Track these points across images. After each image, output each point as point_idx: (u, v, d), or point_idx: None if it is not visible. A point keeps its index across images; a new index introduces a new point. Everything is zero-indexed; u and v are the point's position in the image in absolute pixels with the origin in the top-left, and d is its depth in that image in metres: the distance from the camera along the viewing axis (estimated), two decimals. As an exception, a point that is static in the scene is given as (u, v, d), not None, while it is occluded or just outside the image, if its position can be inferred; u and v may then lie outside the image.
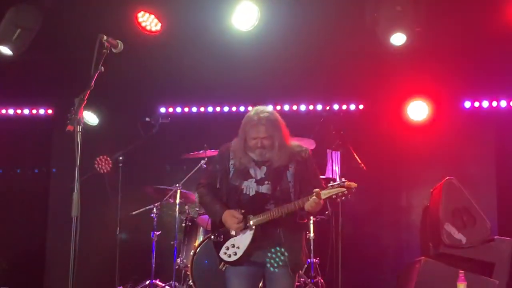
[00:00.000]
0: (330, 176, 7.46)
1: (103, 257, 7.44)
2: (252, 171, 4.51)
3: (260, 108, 4.60)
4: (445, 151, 7.97)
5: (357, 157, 7.08)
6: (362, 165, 7.06)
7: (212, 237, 4.56)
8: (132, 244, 7.56)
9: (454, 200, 6.74)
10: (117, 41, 3.98)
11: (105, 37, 3.91)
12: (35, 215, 8.58)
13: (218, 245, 4.52)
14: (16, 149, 8.66)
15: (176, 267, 6.75)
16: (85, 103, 3.72)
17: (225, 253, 4.45)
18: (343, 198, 4.24)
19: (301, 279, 6.92)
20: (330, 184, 4.34)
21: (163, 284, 6.96)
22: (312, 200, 4.23)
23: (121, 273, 6.99)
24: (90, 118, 7.79)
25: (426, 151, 8.07)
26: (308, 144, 7.09)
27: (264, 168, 4.50)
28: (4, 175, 8.68)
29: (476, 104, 8.26)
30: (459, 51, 7.58)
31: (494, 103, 8.22)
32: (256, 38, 7.27)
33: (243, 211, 4.43)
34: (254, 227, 4.40)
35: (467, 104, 8.26)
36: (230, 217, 4.43)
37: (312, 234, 7.17)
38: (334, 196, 4.22)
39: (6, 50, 7.06)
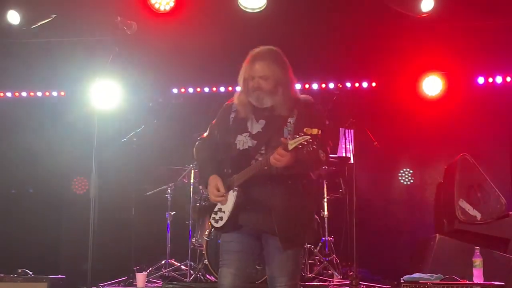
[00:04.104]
0: (343, 154, 7.47)
1: (118, 237, 7.49)
2: (249, 124, 3.94)
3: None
4: (459, 127, 7.93)
5: (370, 134, 7.07)
6: (376, 142, 7.05)
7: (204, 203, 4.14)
8: (147, 224, 7.59)
9: (468, 177, 6.73)
10: (131, 22, 3.99)
11: (119, 18, 3.92)
12: (51, 197, 8.63)
13: (210, 210, 4.04)
14: (30, 131, 8.68)
15: (191, 246, 6.78)
16: (100, 84, 3.73)
17: (214, 218, 3.97)
18: (310, 148, 3.60)
19: (316, 257, 6.96)
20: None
21: (179, 264, 7.00)
22: (276, 152, 3.64)
23: (137, 253, 7.06)
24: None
25: (440, 127, 8.04)
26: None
27: (263, 122, 3.91)
28: (20, 158, 8.71)
29: (490, 79, 8.20)
30: (472, 26, 7.53)
31: (508, 79, 8.16)
32: (267, 17, 7.23)
33: (229, 171, 3.93)
34: (236, 188, 3.87)
35: (481, 80, 8.20)
36: (212, 187, 3.92)
37: (326, 213, 7.20)
38: (300, 146, 3.55)
39: (14, 19, 6.95)
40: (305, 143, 3.54)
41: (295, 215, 3.83)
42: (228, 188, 3.89)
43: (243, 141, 3.90)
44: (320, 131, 3.55)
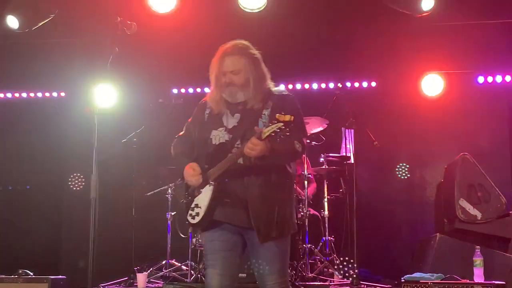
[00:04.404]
0: (344, 154, 7.47)
1: (119, 238, 7.50)
2: (224, 119, 3.91)
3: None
4: (459, 127, 7.94)
5: (370, 134, 7.07)
6: (376, 142, 7.05)
7: (183, 200, 4.01)
8: (147, 224, 7.59)
9: (468, 176, 6.74)
10: (131, 22, 3.98)
11: (119, 19, 3.91)
12: (51, 197, 8.63)
13: (187, 207, 3.94)
14: (30, 132, 8.69)
15: (192, 246, 6.77)
16: (100, 84, 3.73)
17: (190, 215, 3.86)
18: (282, 136, 3.58)
19: (316, 257, 6.97)
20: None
21: (179, 264, 7.00)
22: (250, 141, 3.62)
23: (137, 253, 7.05)
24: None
25: (440, 127, 8.05)
26: (321, 123, 7.13)
27: (238, 116, 3.88)
28: (20, 159, 8.71)
29: (490, 79, 8.20)
30: (472, 25, 7.53)
31: (508, 78, 8.16)
32: (267, 17, 7.23)
33: (206, 166, 3.85)
34: (212, 182, 3.80)
35: (481, 79, 8.20)
36: (188, 168, 3.86)
37: (326, 212, 7.21)
38: (273, 134, 3.55)
39: (13, 23, 6.97)
40: (278, 130, 3.54)
41: (272, 207, 3.78)
42: (204, 183, 3.83)
43: (219, 136, 3.87)
44: (292, 117, 3.56)
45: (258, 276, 3.88)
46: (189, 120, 4.14)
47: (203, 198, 3.82)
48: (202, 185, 3.85)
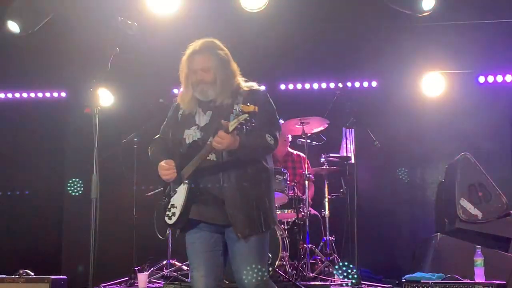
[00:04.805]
0: (344, 154, 7.47)
1: (120, 237, 7.49)
2: (197, 117, 3.91)
3: None
4: (459, 126, 7.93)
5: (371, 134, 7.07)
6: (377, 142, 7.05)
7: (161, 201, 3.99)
8: (148, 224, 7.57)
9: (469, 176, 6.73)
10: (132, 22, 3.98)
11: (120, 19, 3.91)
12: (52, 197, 8.63)
13: (164, 208, 3.92)
14: (30, 132, 8.69)
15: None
16: (101, 85, 3.72)
17: (167, 215, 3.84)
18: (248, 127, 3.57)
19: (317, 257, 6.97)
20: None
21: (180, 264, 7.00)
22: (217, 135, 3.60)
23: (138, 253, 7.05)
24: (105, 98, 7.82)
25: (441, 127, 8.05)
26: (322, 123, 7.13)
27: (210, 113, 3.88)
28: (21, 159, 8.71)
29: (491, 78, 8.20)
30: (473, 25, 7.53)
31: (508, 78, 8.15)
32: (268, 17, 7.22)
33: (180, 165, 3.85)
34: (186, 180, 3.80)
35: (481, 79, 8.20)
36: (162, 164, 3.85)
37: (327, 212, 7.22)
38: (239, 126, 3.54)
39: (15, 27, 6.99)
40: (244, 121, 3.54)
41: (249, 202, 3.77)
42: (179, 182, 3.82)
43: (191, 135, 3.87)
44: (256, 107, 3.58)
45: (235, 272, 3.83)
46: (165, 122, 4.14)
47: (179, 198, 3.81)
48: (177, 185, 3.84)
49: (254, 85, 4.01)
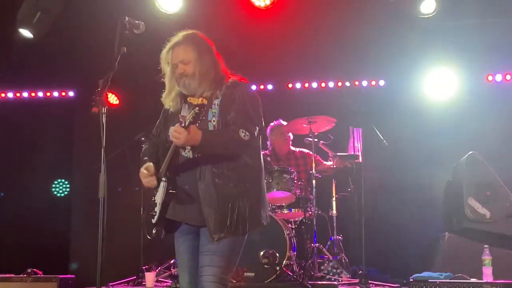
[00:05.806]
0: (352, 153, 7.46)
1: (127, 237, 7.50)
2: (182, 113, 3.74)
3: None
4: (467, 125, 7.91)
5: (378, 133, 7.06)
6: (384, 141, 7.04)
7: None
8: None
9: (477, 175, 6.70)
10: (139, 22, 3.97)
11: (126, 18, 3.90)
12: (60, 196, 8.66)
13: (149, 208, 3.85)
14: (39, 131, 8.72)
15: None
16: (108, 84, 3.72)
17: (152, 215, 3.76)
18: (199, 120, 3.46)
19: (324, 256, 6.96)
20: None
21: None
22: (174, 129, 3.51)
23: (146, 252, 7.06)
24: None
25: (448, 125, 8.04)
26: (329, 122, 7.12)
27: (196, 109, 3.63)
28: (28, 158, 8.74)
29: (498, 77, 8.18)
30: (481, 23, 7.51)
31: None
32: (269, 17, 7.24)
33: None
34: (164, 178, 3.70)
35: (490, 78, 8.19)
36: (142, 170, 3.77)
37: (334, 212, 7.22)
38: (192, 119, 3.44)
39: (27, 33, 7.10)
40: (195, 115, 3.44)
41: (225, 202, 3.63)
42: (158, 180, 3.75)
43: None
44: (204, 100, 3.45)
45: (199, 270, 3.68)
46: (158, 121, 4.11)
47: (159, 196, 3.74)
48: (158, 183, 3.76)
49: (237, 78, 3.88)
